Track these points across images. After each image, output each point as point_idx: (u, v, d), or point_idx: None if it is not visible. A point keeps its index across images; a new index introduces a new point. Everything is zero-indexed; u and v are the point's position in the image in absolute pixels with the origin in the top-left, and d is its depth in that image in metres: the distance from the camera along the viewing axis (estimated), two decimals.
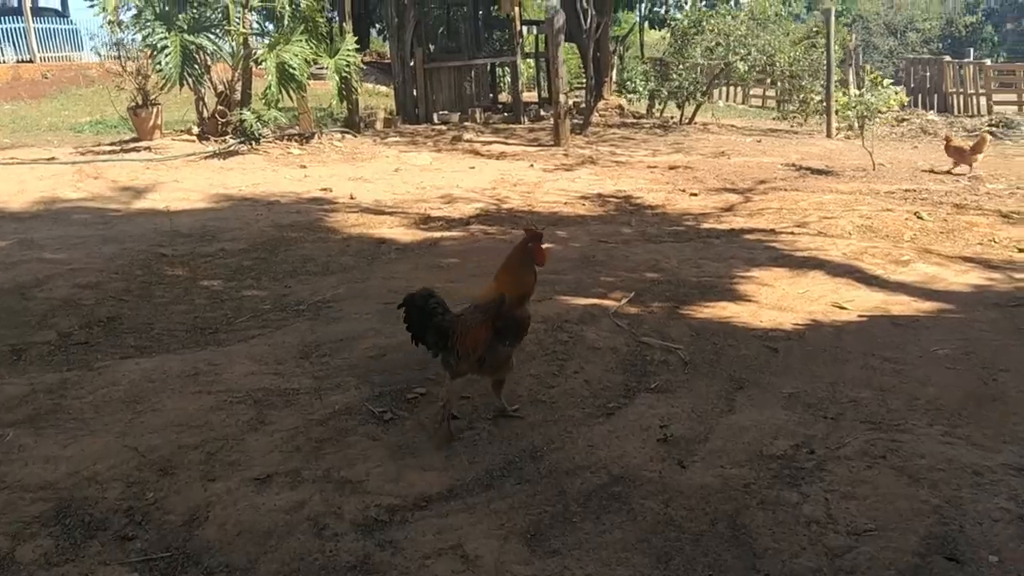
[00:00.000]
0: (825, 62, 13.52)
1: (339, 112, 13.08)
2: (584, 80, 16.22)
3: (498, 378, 3.36)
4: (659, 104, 14.64)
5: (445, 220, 7.65)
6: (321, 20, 11.53)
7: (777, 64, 14.09)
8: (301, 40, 10.85)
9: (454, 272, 5.81)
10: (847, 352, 4.27)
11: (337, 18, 14.97)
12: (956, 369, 4.01)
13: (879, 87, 9.53)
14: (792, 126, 15.70)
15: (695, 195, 8.81)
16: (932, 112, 18.89)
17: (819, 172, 9.99)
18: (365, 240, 6.84)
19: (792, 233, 6.93)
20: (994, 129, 15.36)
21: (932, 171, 10.01)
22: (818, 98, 14.39)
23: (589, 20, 14.39)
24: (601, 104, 15.45)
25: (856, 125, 9.81)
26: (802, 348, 4.36)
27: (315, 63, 11.49)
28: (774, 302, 5.14)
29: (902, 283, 5.40)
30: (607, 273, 5.77)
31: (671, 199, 8.67)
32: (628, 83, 14.82)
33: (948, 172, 9.89)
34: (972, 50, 26.14)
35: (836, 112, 11.93)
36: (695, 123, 15.08)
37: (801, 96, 14.59)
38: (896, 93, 9.63)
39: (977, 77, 19.70)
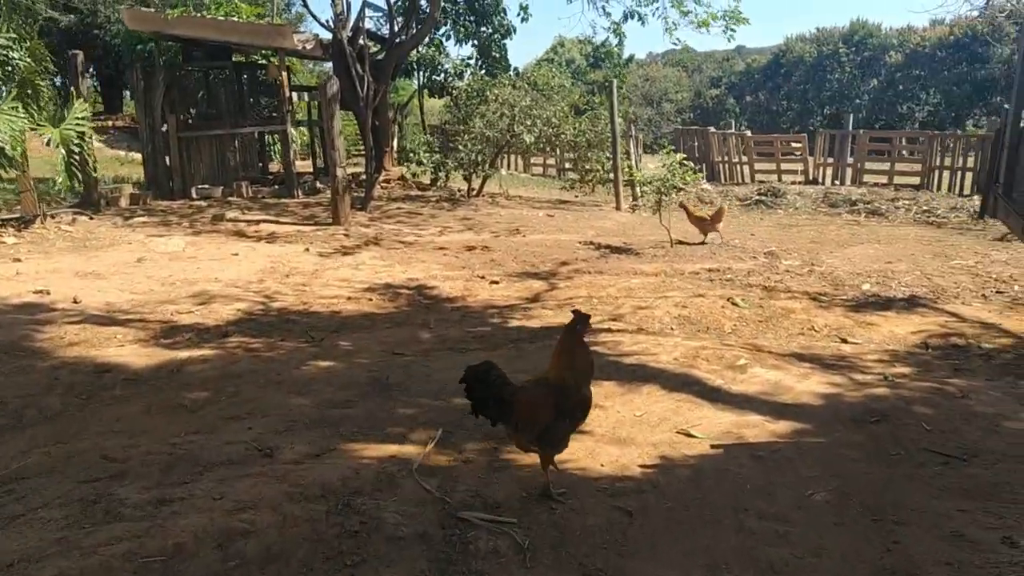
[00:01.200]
0: (610, 133, 13.36)
1: (70, 188, 11.04)
2: (363, 150, 15.15)
3: (550, 455, 3.36)
4: (443, 175, 13.84)
5: (196, 330, 6.13)
6: (43, 84, 9.64)
7: (563, 135, 13.79)
8: (16, 107, 8.94)
9: (204, 414, 4.38)
10: (715, 507, 3.36)
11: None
12: (844, 524, 3.21)
13: (676, 164, 9.19)
14: (578, 195, 15.48)
15: (496, 283, 7.89)
16: (704, 183, 19.61)
17: (620, 251, 9.48)
18: (83, 367, 5.18)
19: (610, 330, 6.13)
20: (763, 199, 15.97)
21: (683, 242, 9.84)
22: (604, 168, 14.21)
23: (366, 87, 13.39)
24: (383, 176, 14.41)
25: (654, 201, 9.42)
26: (660, 505, 3.40)
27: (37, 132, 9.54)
28: (611, 431, 4.19)
29: (747, 396, 4.67)
30: (406, 401, 4.59)
31: (470, 288, 7.69)
32: (412, 154, 13.91)
33: (702, 243, 9.84)
34: (733, 122, 27.84)
35: (634, 185, 11.70)
36: (483, 195, 14.43)
37: (587, 167, 14.37)
38: (695, 172, 9.33)
39: (739, 146, 20.80)
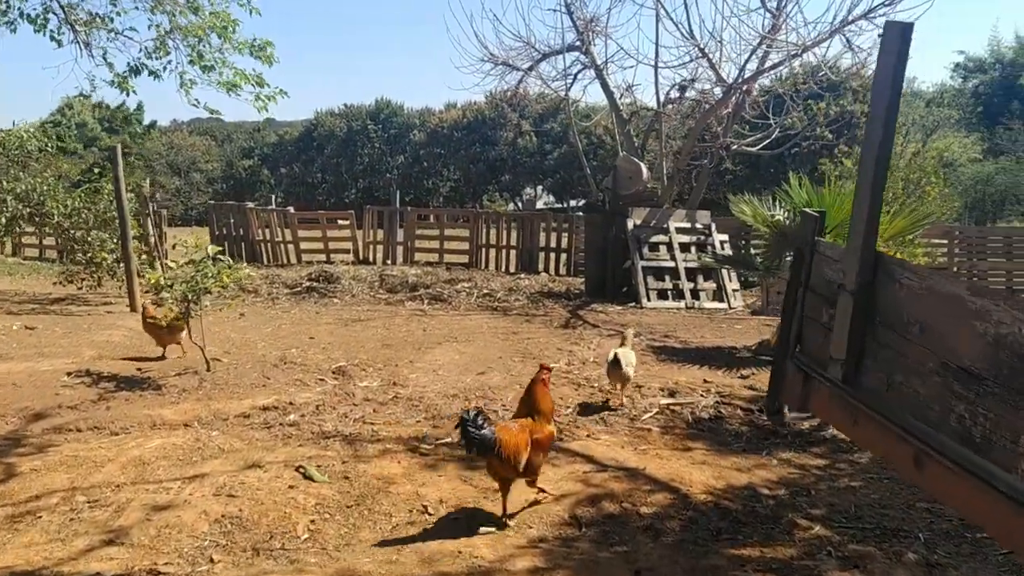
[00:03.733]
0: (117, 213, 10.25)
1: None
2: None
3: (532, 478, 4.27)
4: None
5: None
6: None
7: (52, 214, 10.27)
8: None
9: None
10: None
11: None
12: None
13: (208, 260, 6.67)
14: (81, 289, 11.90)
15: None
16: (244, 263, 17.05)
17: (131, 383, 6.58)
18: None
19: None
20: (316, 285, 14.02)
21: (141, 359, 7.53)
22: (111, 258, 10.97)
23: None
24: None
25: (178, 312, 6.74)
26: None
27: None
28: None
29: None
30: None
31: None
32: None
33: (161, 357, 7.61)
34: (273, 196, 25.71)
35: (156, 278, 8.73)
36: None
37: (88, 255, 10.96)
38: (234, 268, 6.87)
39: (282, 223, 18.71)
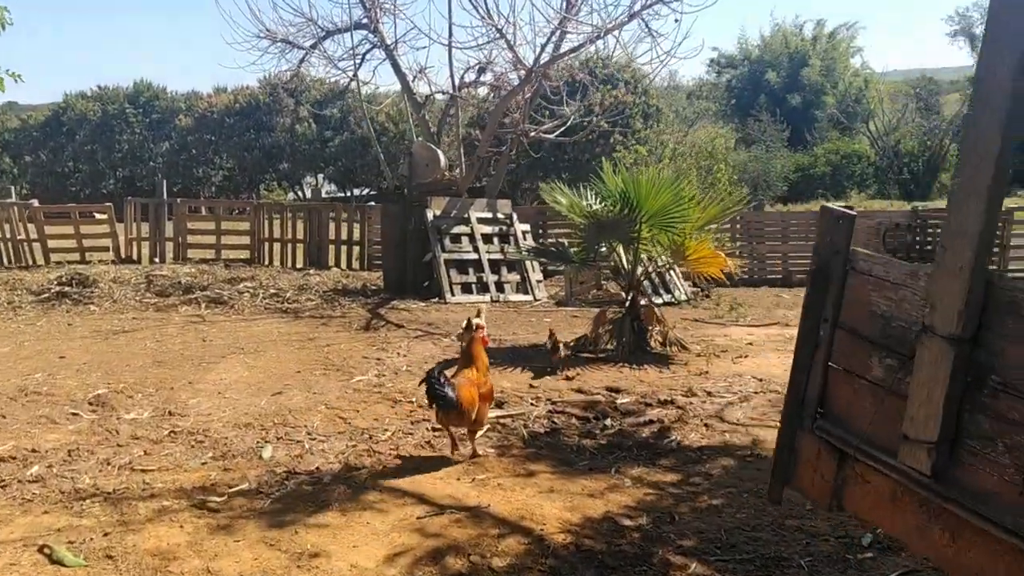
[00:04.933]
0: None
1: None
2: None
3: (476, 429, 4.90)
4: None
5: None
6: None
7: None
8: None
9: None
10: None
11: None
12: None
13: None
14: None
15: None
16: None
17: None
18: None
19: None
20: (68, 290, 12.08)
21: None
22: None
23: None
24: None
25: None
26: None
27: None
28: None
29: None
30: None
31: None
32: None
33: None
34: (12, 188, 22.50)
35: None
36: None
37: None
38: None
39: (24, 219, 16.13)
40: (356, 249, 16.69)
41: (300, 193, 59.91)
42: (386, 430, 5.43)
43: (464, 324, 5.18)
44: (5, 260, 16.00)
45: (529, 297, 12.68)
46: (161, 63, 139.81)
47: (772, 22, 67.83)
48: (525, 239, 13.46)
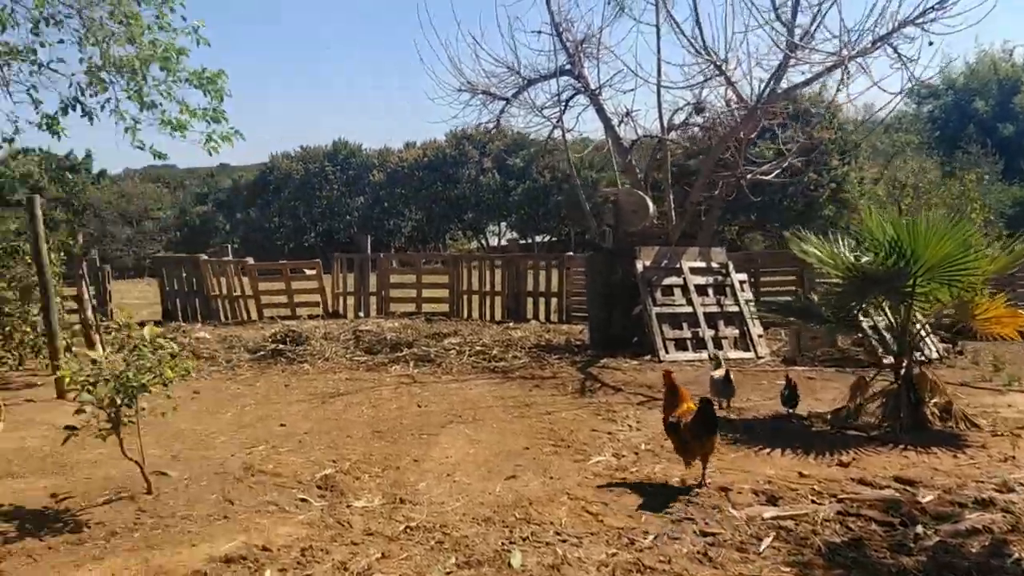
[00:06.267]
0: (39, 280, 8.39)
1: None
2: None
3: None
4: None
5: None
6: None
7: None
8: None
9: None
10: None
11: None
12: None
13: (148, 346, 4.92)
14: (3, 367, 9.94)
15: None
16: (200, 326, 15.16)
17: (48, 524, 4.72)
18: None
19: None
20: (282, 347, 12.21)
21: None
22: (33, 333, 9.10)
23: None
24: None
25: (106, 417, 4.93)
26: None
27: None
28: None
29: None
30: None
31: None
32: None
33: None
34: (229, 246, 23.85)
35: (70, 374, 6.92)
36: None
37: (6, 328, 9.06)
38: (179, 359, 5.09)
39: (239, 276, 16.85)
40: (554, 301, 16.15)
41: (484, 241, 61.15)
42: (646, 532, 4.60)
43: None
44: (222, 316, 16.72)
45: (751, 355, 11.52)
46: (356, 120, 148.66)
47: (977, 48, 62.39)
48: (743, 290, 12.35)
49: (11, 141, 11.61)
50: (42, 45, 10.91)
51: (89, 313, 10.45)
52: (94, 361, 4.95)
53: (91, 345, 10.62)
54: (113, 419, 4.96)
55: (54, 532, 4.62)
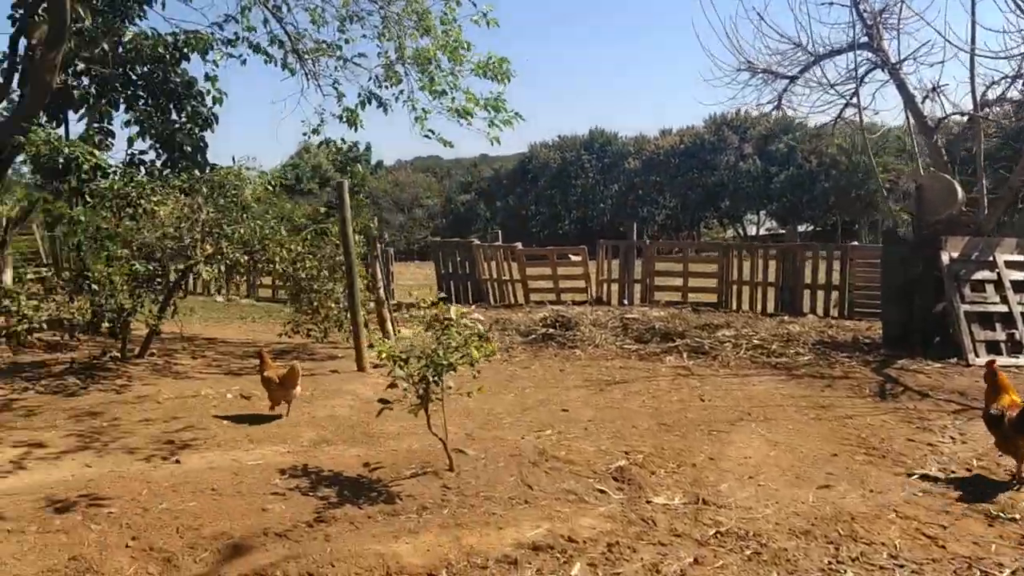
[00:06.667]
0: (345, 260, 9.01)
1: None
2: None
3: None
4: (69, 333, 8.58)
5: None
6: None
7: (274, 261, 9.22)
8: None
9: None
10: None
11: None
12: None
13: (453, 325, 5.01)
14: (308, 337, 10.84)
15: None
16: (475, 308, 15.78)
17: (356, 491, 4.94)
18: None
19: None
20: (552, 332, 12.30)
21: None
22: (337, 308, 9.80)
23: None
24: None
25: (416, 394, 5.08)
26: None
27: None
28: None
29: None
30: None
31: None
32: (9, 298, 8.45)
33: (278, 415, 6.78)
34: (500, 232, 24.75)
35: (384, 322, 7.44)
36: (153, 352, 9.40)
37: (314, 304, 9.86)
38: (482, 338, 5.14)
39: (508, 262, 17.32)
40: (835, 294, 14.97)
41: (740, 231, 58.94)
42: (1000, 565, 3.94)
43: None
44: (492, 299, 17.30)
45: None
46: (612, 108, 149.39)
47: None
48: None
49: (316, 132, 12.68)
50: (347, 42, 11.80)
51: (382, 292, 11.14)
52: (405, 338, 5.11)
53: (382, 322, 11.34)
54: (422, 395, 5.09)
55: (370, 501, 4.82)
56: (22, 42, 10.77)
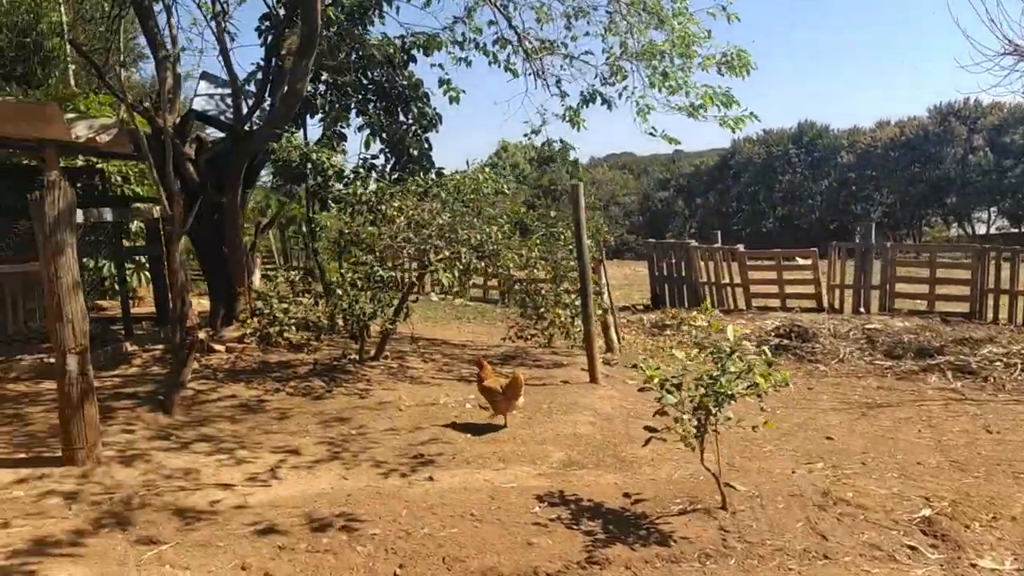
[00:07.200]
0: (578, 264, 8.68)
1: None
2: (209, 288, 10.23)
3: None
4: (316, 334, 8.83)
5: None
6: None
7: (506, 266, 9.04)
8: None
9: None
10: None
11: None
12: None
13: (731, 349, 4.48)
14: (528, 342, 10.64)
15: None
16: (685, 308, 15.07)
17: (632, 530, 4.52)
18: None
19: None
20: (787, 343, 11.41)
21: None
22: (565, 314, 9.48)
23: (199, 197, 8.55)
24: (234, 331, 9.45)
25: (692, 428, 4.57)
26: None
27: None
28: None
29: None
30: None
31: None
32: (263, 302, 8.79)
33: (499, 425, 6.47)
34: (719, 233, 23.84)
35: (607, 328, 7.01)
36: (387, 355, 9.52)
37: (540, 309, 9.61)
38: (783, 370, 4.56)
39: (728, 264, 16.41)
40: None
41: (968, 229, 53.74)
42: None
43: None
44: (708, 303, 16.45)
45: None
46: (824, 101, 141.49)
47: None
48: None
49: (537, 132, 12.48)
50: (573, 39, 11.49)
51: (606, 296, 10.74)
52: (679, 361, 4.63)
53: (605, 328, 10.94)
54: (700, 425, 4.58)
55: (640, 540, 4.38)
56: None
